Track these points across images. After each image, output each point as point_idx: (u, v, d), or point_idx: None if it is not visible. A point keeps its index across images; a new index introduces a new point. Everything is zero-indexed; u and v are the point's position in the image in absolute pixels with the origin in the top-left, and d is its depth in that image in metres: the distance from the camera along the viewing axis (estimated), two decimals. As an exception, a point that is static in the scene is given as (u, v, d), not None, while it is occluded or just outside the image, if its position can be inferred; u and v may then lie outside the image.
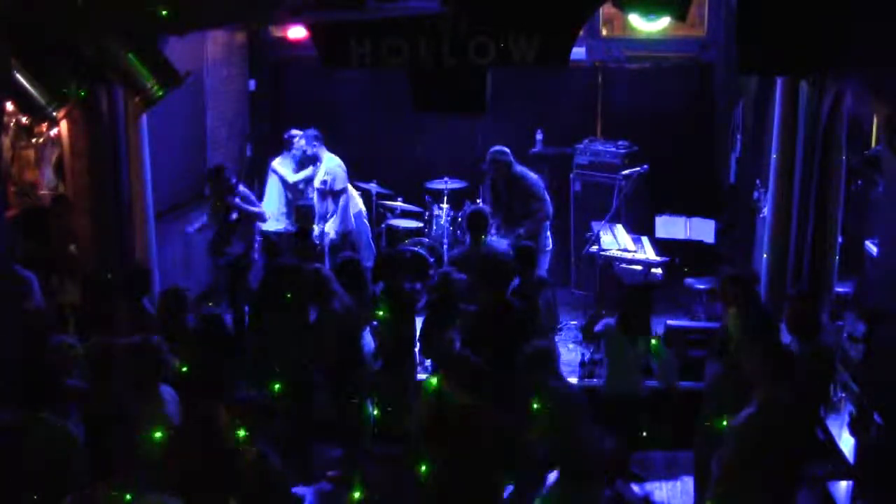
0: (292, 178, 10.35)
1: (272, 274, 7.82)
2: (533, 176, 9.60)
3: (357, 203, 10.40)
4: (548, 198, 9.54)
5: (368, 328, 7.61)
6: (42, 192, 9.05)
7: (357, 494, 6.39)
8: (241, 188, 9.33)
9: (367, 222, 10.54)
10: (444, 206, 10.36)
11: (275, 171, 10.45)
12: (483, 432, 5.55)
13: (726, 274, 6.96)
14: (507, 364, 6.42)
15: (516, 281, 7.66)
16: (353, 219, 10.23)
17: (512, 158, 9.51)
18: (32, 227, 7.92)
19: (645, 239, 9.57)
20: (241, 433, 5.20)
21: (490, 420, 5.62)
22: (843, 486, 6.28)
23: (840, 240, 7.74)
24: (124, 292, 7.01)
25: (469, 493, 5.53)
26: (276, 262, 8.06)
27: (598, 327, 7.37)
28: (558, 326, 9.24)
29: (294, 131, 10.43)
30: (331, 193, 10.06)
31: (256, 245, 9.39)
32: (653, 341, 6.97)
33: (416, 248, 10.06)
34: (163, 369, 5.77)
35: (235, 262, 9.21)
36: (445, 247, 10.12)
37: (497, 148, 9.55)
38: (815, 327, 6.22)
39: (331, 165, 10.08)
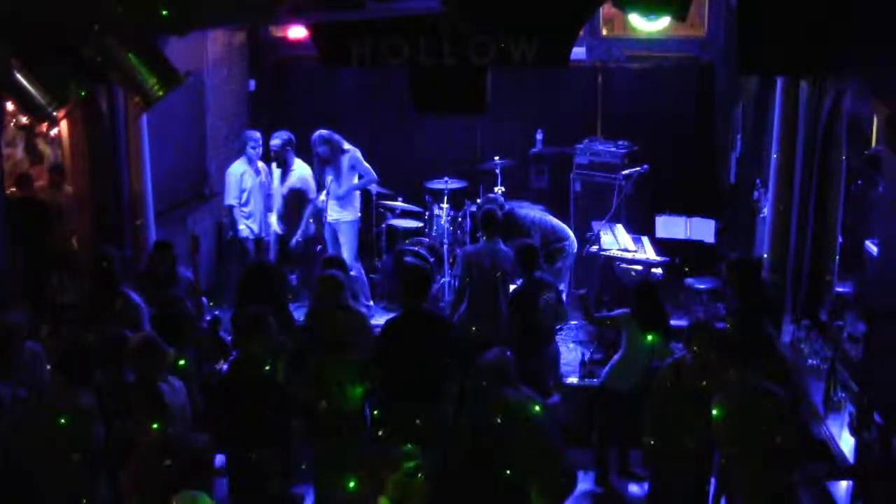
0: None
1: (252, 273, 7.55)
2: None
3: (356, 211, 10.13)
4: None
5: None
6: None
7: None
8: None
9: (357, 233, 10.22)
10: (444, 206, 10.34)
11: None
12: None
13: (730, 259, 7.28)
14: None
15: (519, 282, 7.65)
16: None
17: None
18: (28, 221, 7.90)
19: (645, 239, 9.57)
20: None
21: None
22: (843, 486, 6.28)
23: (840, 240, 7.74)
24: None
25: None
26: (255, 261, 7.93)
27: (616, 312, 7.33)
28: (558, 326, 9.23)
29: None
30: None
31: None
32: (650, 337, 6.93)
33: (416, 248, 10.05)
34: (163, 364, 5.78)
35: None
36: (445, 247, 10.11)
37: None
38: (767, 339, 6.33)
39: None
